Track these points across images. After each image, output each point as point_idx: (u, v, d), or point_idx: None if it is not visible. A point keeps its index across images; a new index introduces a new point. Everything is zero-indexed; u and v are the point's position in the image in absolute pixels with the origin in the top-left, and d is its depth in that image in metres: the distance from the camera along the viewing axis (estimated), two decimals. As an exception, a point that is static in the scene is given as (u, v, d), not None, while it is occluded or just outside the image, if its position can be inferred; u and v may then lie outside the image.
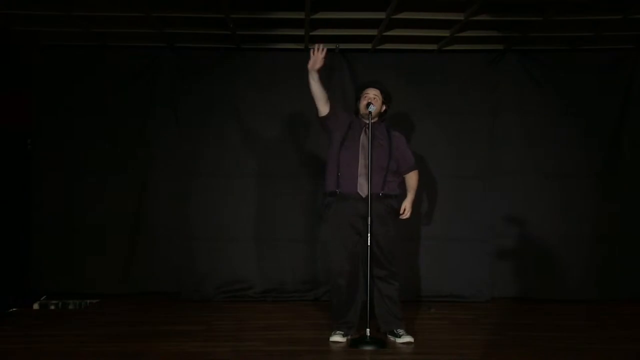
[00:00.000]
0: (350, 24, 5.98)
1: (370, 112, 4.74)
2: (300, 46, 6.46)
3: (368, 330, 4.70)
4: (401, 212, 4.95)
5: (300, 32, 6.07)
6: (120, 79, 6.54)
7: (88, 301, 6.20)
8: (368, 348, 4.63)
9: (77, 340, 4.83)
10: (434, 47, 6.48)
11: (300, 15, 5.64)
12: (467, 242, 6.46)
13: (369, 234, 4.70)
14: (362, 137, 4.85)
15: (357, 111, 4.96)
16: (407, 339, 4.79)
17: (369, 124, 4.74)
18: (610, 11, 5.59)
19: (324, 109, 4.92)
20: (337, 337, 4.80)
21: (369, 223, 4.68)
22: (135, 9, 5.54)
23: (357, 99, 4.98)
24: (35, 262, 6.46)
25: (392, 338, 4.85)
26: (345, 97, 6.49)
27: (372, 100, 4.85)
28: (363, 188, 4.78)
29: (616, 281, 6.49)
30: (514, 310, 6.14)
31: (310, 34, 6.10)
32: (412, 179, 5.06)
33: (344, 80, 6.53)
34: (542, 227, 6.50)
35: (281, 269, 6.46)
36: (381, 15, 5.66)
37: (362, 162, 4.80)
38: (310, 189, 6.45)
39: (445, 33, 6.09)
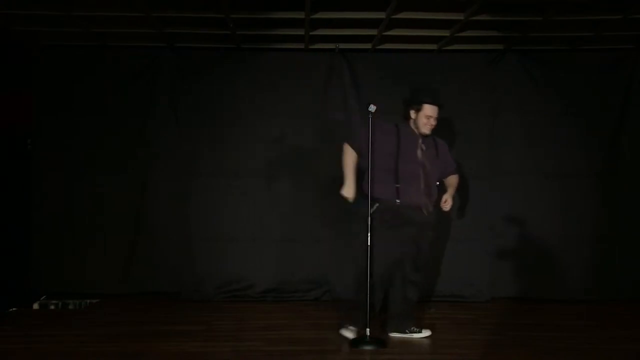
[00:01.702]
0: (350, 24, 5.98)
1: (370, 112, 4.77)
2: (300, 46, 6.46)
3: (368, 330, 4.71)
4: (443, 201, 5.03)
5: (300, 32, 6.07)
6: (120, 79, 6.54)
7: (88, 301, 6.20)
8: (368, 348, 4.64)
9: (77, 340, 4.83)
10: (434, 47, 6.49)
11: (300, 15, 5.64)
12: (467, 242, 6.46)
13: (368, 234, 4.73)
14: (419, 153, 4.93)
15: (406, 116, 5.01)
16: (427, 332, 5.00)
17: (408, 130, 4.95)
18: (610, 11, 5.59)
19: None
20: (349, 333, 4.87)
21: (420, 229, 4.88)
22: (135, 9, 5.54)
23: (415, 109, 4.96)
24: (35, 262, 6.46)
25: (406, 335, 4.94)
26: (345, 98, 6.50)
27: (433, 125, 4.95)
28: (428, 207, 4.92)
29: (616, 281, 6.49)
30: (514, 310, 6.14)
31: (310, 34, 6.10)
32: (454, 179, 5.23)
33: (344, 80, 6.53)
34: (542, 227, 6.50)
35: (281, 269, 6.46)
36: (381, 15, 5.66)
37: (423, 179, 4.89)
38: (310, 189, 6.46)
39: (445, 33, 6.09)
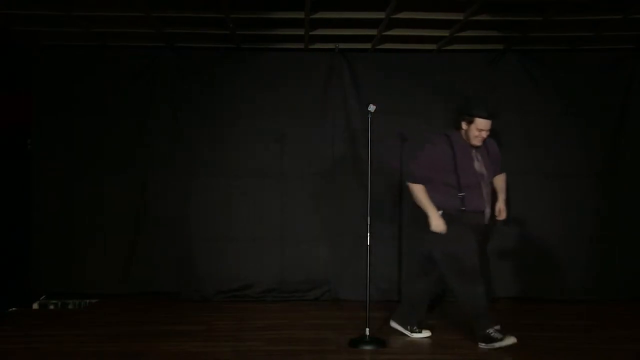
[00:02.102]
0: (350, 24, 5.97)
1: (370, 112, 4.77)
2: (300, 46, 6.46)
3: (367, 330, 4.71)
4: (497, 211, 5.03)
5: (300, 32, 6.07)
6: (120, 79, 6.54)
7: (88, 301, 6.21)
8: (368, 348, 4.64)
9: (77, 340, 4.84)
10: (433, 47, 6.48)
11: (300, 15, 5.64)
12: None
13: (368, 234, 4.76)
14: (476, 165, 4.91)
15: (457, 126, 4.97)
16: (427, 332, 5.10)
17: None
18: (610, 11, 5.58)
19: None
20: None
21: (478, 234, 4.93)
22: (135, 9, 5.54)
23: (467, 121, 4.88)
24: (35, 262, 6.47)
25: (409, 333, 5.01)
26: (345, 97, 6.51)
27: (484, 138, 4.92)
28: (486, 214, 4.92)
29: (616, 281, 6.49)
30: (514, 310, 6.14)
31: (310, 33, 6.10)
32: (501, 180, 5.19)
33: (344, 80, 6.53)
34: (542, 227, 6.50)
35: (281, 269, 6.46)
36: (381, 15, 5.65)
37: (484, 190, 4.89)
38: (311, 188, 6.47)
39: (445, 33, 6.09)
